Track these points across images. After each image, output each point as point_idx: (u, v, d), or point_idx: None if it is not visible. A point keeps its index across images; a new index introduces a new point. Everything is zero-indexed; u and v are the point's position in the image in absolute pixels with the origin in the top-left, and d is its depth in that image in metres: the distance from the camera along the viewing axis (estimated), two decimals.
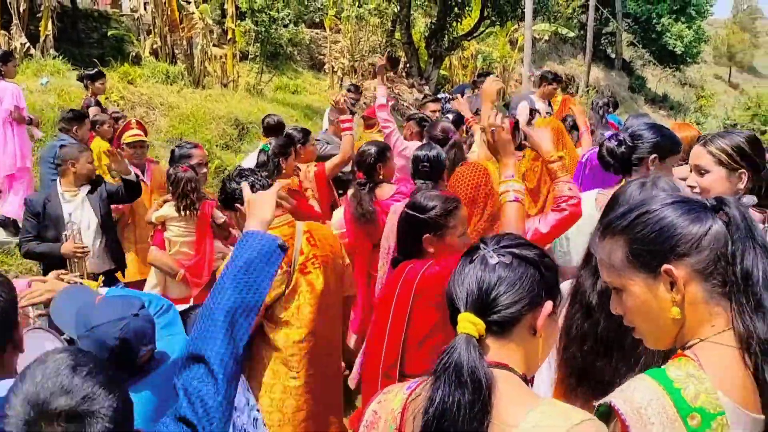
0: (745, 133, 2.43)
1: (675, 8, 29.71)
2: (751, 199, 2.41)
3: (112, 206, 4.86)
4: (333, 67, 16.95)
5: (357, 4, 15.58)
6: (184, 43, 13.20)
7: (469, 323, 1.35)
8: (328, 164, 5.17)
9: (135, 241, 5.33)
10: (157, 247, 4.34)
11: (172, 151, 5.03)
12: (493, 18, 16.92)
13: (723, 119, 30.10)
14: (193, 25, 13.02)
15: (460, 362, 1.31)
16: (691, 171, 2.53)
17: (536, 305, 1.39)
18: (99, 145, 6.08)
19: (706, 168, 2.42)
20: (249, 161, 5.26)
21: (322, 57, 18.10)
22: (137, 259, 5.24)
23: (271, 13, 13.11)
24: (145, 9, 13.93)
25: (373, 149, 4.23)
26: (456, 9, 16.75)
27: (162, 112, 10.60)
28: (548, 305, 1.38)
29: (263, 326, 2.95)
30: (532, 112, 7.17)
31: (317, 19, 17.95)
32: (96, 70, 8.29)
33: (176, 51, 13.41)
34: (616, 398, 1.32)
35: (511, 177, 2.60)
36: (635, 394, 1.32)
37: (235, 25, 13.71)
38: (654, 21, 29.71)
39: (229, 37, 13.88)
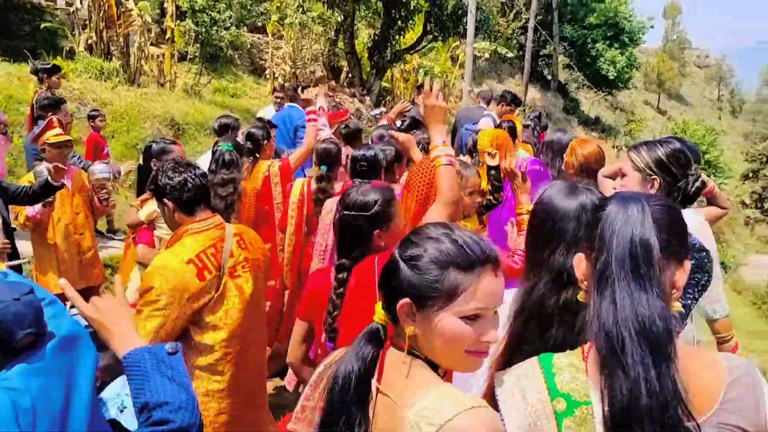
0: (671, 146, 2.57)
1: (609, 35, 30.71)
2: None
3: (30, 215, 4.74)
4: (274, 73, 16.81)
5: (300, 10, 15.50)
6: (121, 39, 12.87)
7: (379, 312, 1.50)
8: (292, 157, 5.08)
9: (78, 252, 5.13)
10: (144, 245, 4.15)
11: (148, 147, 4.84)
12: (436, 33, 17.11)
13: None
14: (130, 21, 12.72)
15: (362, 340, 1.49)
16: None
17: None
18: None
19: (625, 171, 2.62)
20: (203, 161, 5.02)
21: (263, 62, 17.93)
22: (78, 271, 5.06)
23: (212, 14, 12.90)
24: (81, 3, 13.52)
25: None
26: (399, 22, 16.87)
27: (94, 108, 10.27)
28: (403, 302, 1.41)
29: (189, 331, 2.82)
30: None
31: (259, 24, 17.78)
32: (52, 64, 8.11)
33: (112, 47, 13.05)
34: (499, 374, 1.54)
35: (442, 143, 2.65)
36: (519, 372, 1.53)
37: (175, 25, 13.45)
38: (589, 46, 30.68)
39: (167, 36, 13.60)
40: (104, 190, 5.02)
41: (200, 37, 13.25)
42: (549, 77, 32.26)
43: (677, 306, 1.47)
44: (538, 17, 27.66)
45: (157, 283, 2.63)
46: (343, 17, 16.48)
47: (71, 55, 12.26)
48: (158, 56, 13.60)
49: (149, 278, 2.68)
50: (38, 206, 4.73)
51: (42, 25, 12.98)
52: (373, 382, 1.45)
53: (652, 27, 33.92)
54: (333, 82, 17.74)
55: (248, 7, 15.03)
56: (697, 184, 2.57)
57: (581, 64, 31.26)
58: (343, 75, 18.40)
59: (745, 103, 64.37)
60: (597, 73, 30.97)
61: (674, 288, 1.46)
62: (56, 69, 7.79)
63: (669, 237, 1.44)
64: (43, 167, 4.71)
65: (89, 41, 12.82)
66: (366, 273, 2.57)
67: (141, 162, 4.90)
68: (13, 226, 4.72)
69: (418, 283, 1.39)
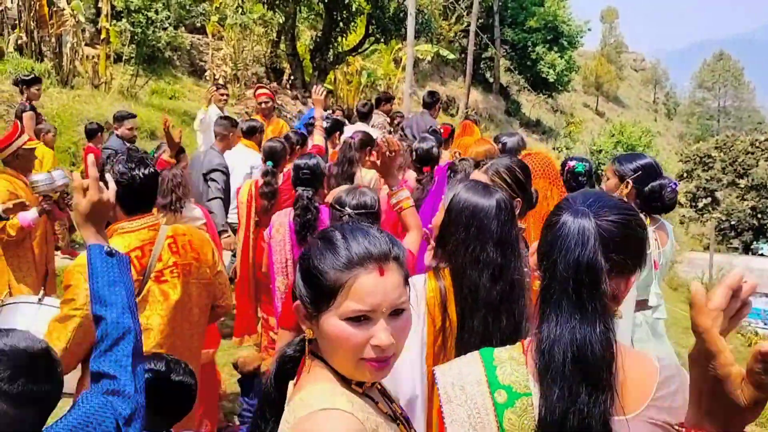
0: (514, 158, 2.86)
1: (548, 38, 31.36)
2: None
3: (25, 225, 4.58)
4: (215, 75, 16.54)
5: (240, 11, 15.29)
6: (53, 40, 12.46)
7: None
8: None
9: (33, 261, 4.91)
10: None
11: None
12: (378, 36, 17.13)
13: (590, 144, 32.02)
14: (63, 21, 12.32)
15: (290, 343, 1.54)
16: None
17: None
18: (43, 152, 6.29)
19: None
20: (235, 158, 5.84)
21: (203, 63, 17.63)
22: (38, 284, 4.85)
23: (148, 14, 12.60)
24: (11, 2, 13.02)
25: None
26: (341, 24, 16.83)
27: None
28: (295, 304, 1.41)
29: None
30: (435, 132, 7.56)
31: (199, 24, 17.49)
32: (33, 75, 8.20)
33: (44, 48, 12.63)
34: (439, 368, 1.56)
35: (399, 188, 3.01)
36: (460, 365, 1.53)
37: (110, 25, 13.09)
38: (529, 49, 31.24)
39: (102, 37, 13.23)
40: (68, 195, 4.86)
41: (136, 37, 12.92)
42: (491, 80, 32.71)
43: (618, 313, 1.47)
44: (480, 20, 28.02)
45: (74, 281, 2.59)
46: (284, 19, 16.34)
47: (0, 55, 11.80)
48: (93, 57, 13.21)
49: (69, 275, 2.63)
50: (33, 215, 4.58)
51: None
52: (291, 383, 1.45)
53: (589, 30, 34.74)
54: (275, 84, 17.58)
55: (187, 7, 14.78)
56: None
57: (522, 67, 31.81)
58: (285, 77, 18.26)
59: (680, 105, 66.55)
60: (537, 76, 31.57)
61: (616, 302, 1.46)
62: (36, 80, 7.92)
63: (619, 255, 1.42)
64: (57, 175, 4.67)
65: (19, 41, 12.37)
66: None
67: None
68: None
69: (303, 284, 1.37)
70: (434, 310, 2.21)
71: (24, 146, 4.85)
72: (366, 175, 5.15)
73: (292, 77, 17.94)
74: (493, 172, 2.81)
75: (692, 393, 1.03)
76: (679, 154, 38.71)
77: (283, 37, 17.70)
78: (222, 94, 8.06)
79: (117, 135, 7.24)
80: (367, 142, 5.20)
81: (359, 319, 1.30)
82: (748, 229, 33.17)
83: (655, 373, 1.41)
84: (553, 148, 29.57)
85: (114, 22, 13.28)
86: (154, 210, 3.04)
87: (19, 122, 6.16)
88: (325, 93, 6.19)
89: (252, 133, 6.62)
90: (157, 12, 12.84)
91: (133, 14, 12.62)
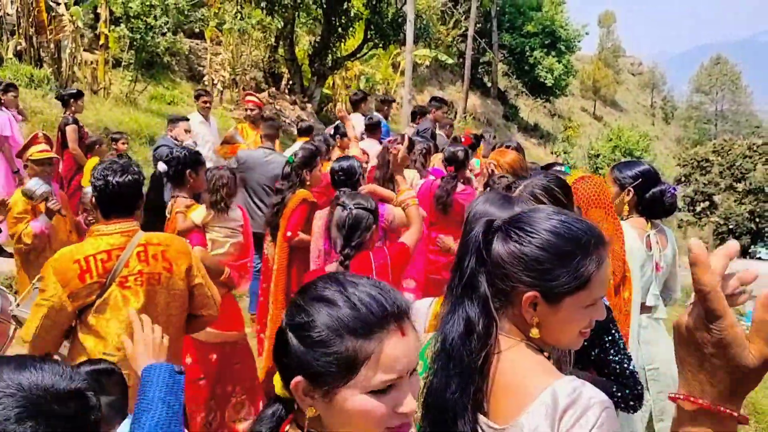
0: (551, 176, 2.66)
1: (546, 42, 31.38)
2: None
3: (38, 231, 4.60)
4: (213, 80, 16.56)
5: (239, 17, 15.31)
6: (52, 46, 12.47)
7: (277, 384, 1.39)
8: None
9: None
10: (200, 247, 4.16)
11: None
12: (377, 41, 17.14)
13: (588, 149, 32.07)
14: (62, 27, 12.33)
15: (261, 417, 1.44)
16: None
17: None
18: (93, 164, 6.61)
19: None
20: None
21: (201, 68, 17.63)
22: None
23: (147, 20, 12.61)
24: (10, 8, 13.03)
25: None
26: (340, 29, 16.85)
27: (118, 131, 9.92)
28: (296, 381, 1.25)
29: (76, 328, 2.92)
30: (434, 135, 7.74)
31: (197, 30, 17.50)
32: (77, 90, 8.52)
33: (42, 54, 12.64)
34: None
35: (407, 187, 3.67)
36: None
37: (109, 31, 13.10)
38: (527, 54, 31.27)
39: (101, 43, 13.24)
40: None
41: (135, 43, 12.93)
42: (489, 84, 32.76)
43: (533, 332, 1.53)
44: (477, 25, 28.07)
45: (47, 273, 2.81)
46: (283, 23, 16.36)
47: None
48: (91, 63, 13.22)
49: (45, 268, 2.84)
50: (43, 220, 4.60)
51: None
52: None
53: (587, 34, 34.82)
54: (273, 89, 17.61)
55: (185, 12, 14.79)
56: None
57: (520, 72, 31.86)
58: (283, 82, 18.28)
59: (677, 109, 66.63)
60: (535, 81, 31.60)
61: (531, 324, 1.51)
62: (80, 95, 8.20)
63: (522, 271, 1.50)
64: (35, 185, 4.59)
65: (18, 47, 12.38)
66: (364, 263, 3.29)
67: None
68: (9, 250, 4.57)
69: (311, 357, 1.16)
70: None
71: (32, 156, 4.86)
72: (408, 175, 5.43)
73: (290, 82, 17.95)
74: (528, 195, 2.53)
75: (687, 363, 0.93)
76: (676, 158, 38.71)
77: (281, 42, 17.72)
78: (204, 101, 8.10)
79: (170, 136, 7.33)
80: (411, 145, 5.60)
81: (385, 390, 1.17)
82: (746, 232, 33.14)
83: (534, 395, 1.40)
84: (551, 153, 29.62)
85: (113, 27, 13.29)
86: (137, 215, 3.09)
87: (60, 135, 7.15)
88: (343, 112, 7.04)
89: (308, 133, 7.42)
90: (156, 18, 12.84)
91: (132, 20, 12.62)
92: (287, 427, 1.28)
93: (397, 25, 16.85)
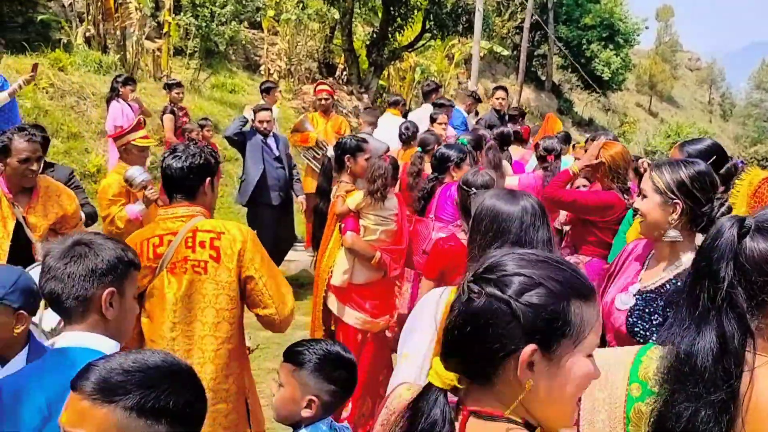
0: (696, 168, 2.40)
1: (604, 35, 30.75)
2: (675, 234, 2.40)
3: (132, 217, 4.60)
4: (269, 70, 16.66)
5: (301, 6, 15.35)
6: (118, 33, 12.70)
7: (442, 372, 1.25)
8: None
9: None
10: (353, 233, 4.35)
11: (341, 142, 4.75)
12: (435, 32, 17.01)
13: (644, 145, 31.38)
14: (128, 14, 12.54)
15: (422, 413, 1.25)
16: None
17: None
18: None
19: (646, 193, 2.46)
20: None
21: (257, 58, 17.75)
22: None
23: (213, 8, 12.73)
24: None
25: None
26: (399, 20, 16.76)
27: (93, 102, 10.11)
28: (529, 349, 1.16)
29: (140, 312, 2.85)
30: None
31: (254, 19, 17.62)
32: (176, 80, 9.37)
33: (108, 41, 12.88)
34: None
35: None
36: (616, 352, 1.65)
37: (172, 19, 13.28)
38: (584, 47, 30.70)
39: (164, 31, 13.43)
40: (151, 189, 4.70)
41: (201, 31, 13.07)
42: (543, 78, 32.27)
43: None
44: (534, 17, 27.64)
45: None
46: (341, 14, 16.35)
47: (67, 47, 12.07)
48: (154, 51, 13.41)
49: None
50: (140, 206, 4.58)
51: (38, 18, 12.78)
52: None
53: (646, 28, 34.04)
54: (331, 80, 17.63)
55: (243, 2, 14.87)
56: (723, 209, 2.37)
57: (576, 65, 31.31)
58: (338, 72, 18.29)
59: (736, 106, 64.74)
60: (591, 74, 31.01)
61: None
62: (178, 84, 9.01)
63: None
64: (136, 172, 4.53)
65: (87, 34, 12.64)
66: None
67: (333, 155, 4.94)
68: (97, 231, 4.59)
69: (544, 323, 1.13)
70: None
71: (133, 141, 4.88)
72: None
73: (347, 72, 17.95)
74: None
75: None
76: (736, 157, 37.65)
77: (338, 32, 17.71)
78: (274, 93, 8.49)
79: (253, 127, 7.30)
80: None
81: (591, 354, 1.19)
82: None
83: None
84: None
85: (173, 15, 13.46)
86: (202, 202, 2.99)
87: (161, 121, 7.69)
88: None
89: (396, 105, 8.45)
90: (221, 6, 12.94)
91: (198, 8, 12.74)
92: (470, 420, 1.19)
93: (457, 16, 16.70)
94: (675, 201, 2.34)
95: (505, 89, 9.25)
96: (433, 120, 6.94)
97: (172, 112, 8.08)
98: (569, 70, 32.04)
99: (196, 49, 13.63)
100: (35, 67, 6.09)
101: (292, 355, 2.24)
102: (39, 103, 9.44)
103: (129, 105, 7.79)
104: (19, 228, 3.65)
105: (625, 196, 4.19)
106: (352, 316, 4.25)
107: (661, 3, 64.63)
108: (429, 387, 1.22)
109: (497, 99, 8.77)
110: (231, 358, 2.90)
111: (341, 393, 2.23)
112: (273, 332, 3.16)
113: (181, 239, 2.82)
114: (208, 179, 2.91)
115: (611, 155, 4.17)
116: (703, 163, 2.46)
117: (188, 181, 2.87)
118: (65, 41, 12.09)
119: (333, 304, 4.35)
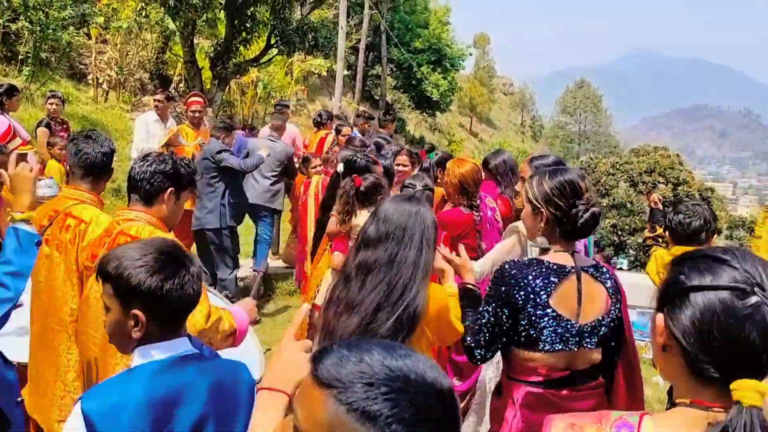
0: (558, 178, 2.49)
1: (433, 59, 32.32)
2: (542, 240, 2.58)
3: None
4: (98, 79, 15.64)
5: (143, 14, 14.57)
6: None
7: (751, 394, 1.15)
8: None
9: None
10: (339, 253, 4.10)
11: (349, 160, 4.50)
12: (282, 47, 16.92)
13: None
14: None
15: None
16: None
17: None
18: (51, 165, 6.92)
19: (524, 202, 2.60)
20: None
21: (83, 66, 16.53)
22: None
23: (50, 11, 11.69)
24: None
25: None
26: (244, 33, 16.48)
27: None
28: None
29: None
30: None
31: (77, 25, 16.39)
32: (56, 92, 8.84)
33: None
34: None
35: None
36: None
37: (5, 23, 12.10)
38: (414, 69, 32.05)
39: None
40: None
41: (34, 36, 11.97)
42: (377, 97, 33.20)
43: None
44: (368, 39, 28.44)
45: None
46: (183, 24, 15.74)
47: None
48: None
49: None
50: None
51: None
52: None
53: (470, 54, 36.19)
54: (171, 91, 16.90)
55: (74, 7, 13.82)
56: (586, 215, 2.44)
57: (407, 86, 32.55)
58: (173, 84, 17.61)
59: (544, 128, 70.58)
60: (422, 95, 32.40)
61: None
62: (13, 89, 7.59)
63: None
64: None
65: None
66: None
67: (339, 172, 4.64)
68: None
69: None
70: None
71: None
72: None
73: (189, 85, 17.32)
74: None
75: None
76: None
77: (175, 43, 17.05)
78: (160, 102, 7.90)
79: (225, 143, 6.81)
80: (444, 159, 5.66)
81: None
82: (609, 245, 35.58)
83: None
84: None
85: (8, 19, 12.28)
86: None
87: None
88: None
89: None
90: (58, 10, 11.87)
91: (31, 12, 11.61)
92: None
93: (303, 33, 16.72)
94: (540, 209, 2.48)
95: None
96: (338, 131, 7.71)
97: (48, 125, 7.39)
98: (402, 90, 33.22)
99: (29, 54, 12.48)
100: None
101: None
102: None
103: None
104: None
105: (474, 212, 4.22)
106: None
107: (478, 31, 69.03)
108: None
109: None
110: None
111: None
112: None
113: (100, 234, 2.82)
114: (171, 189, 2.73)
115: (462, 173, 4.20)
116: (573, 173, 2.54)
117: (145, 183, 2.71)
118: None
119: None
